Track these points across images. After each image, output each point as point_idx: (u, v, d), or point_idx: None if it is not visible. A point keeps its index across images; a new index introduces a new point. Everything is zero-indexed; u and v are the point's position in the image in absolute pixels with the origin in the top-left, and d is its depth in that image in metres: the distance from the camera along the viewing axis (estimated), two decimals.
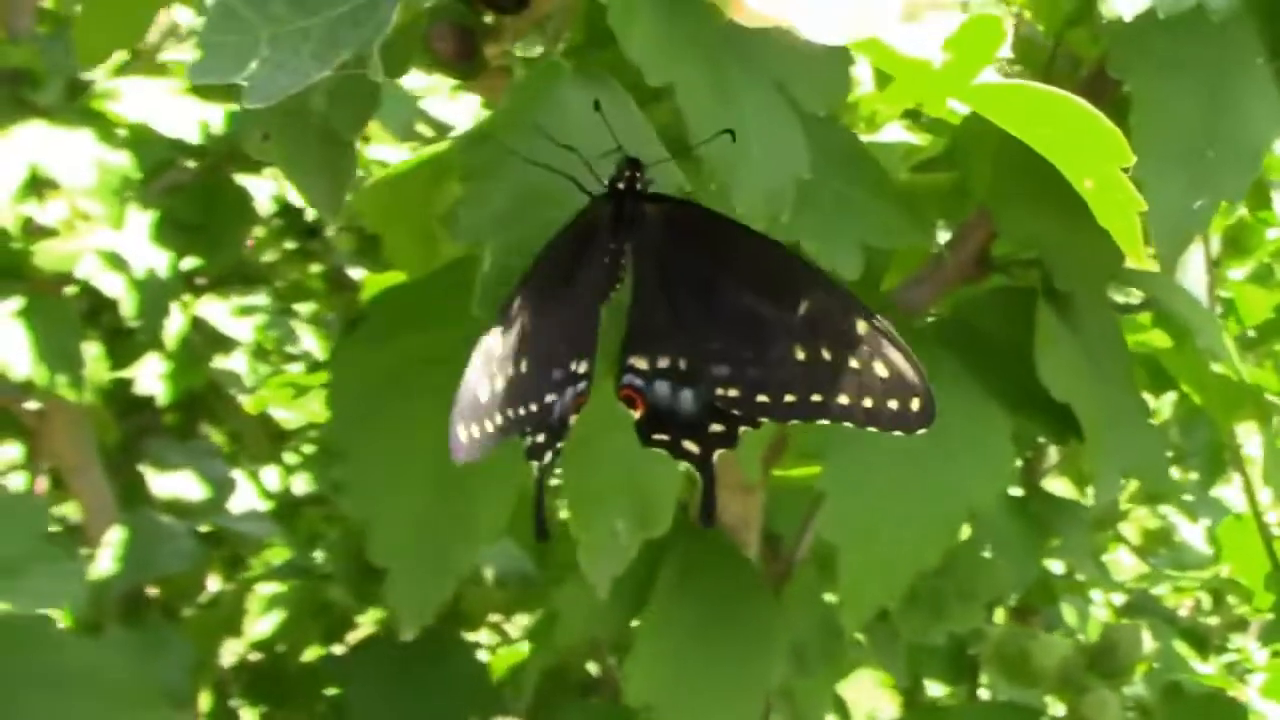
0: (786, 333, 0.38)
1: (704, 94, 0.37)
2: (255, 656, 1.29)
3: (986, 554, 0.85)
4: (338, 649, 1.31)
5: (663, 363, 0.38)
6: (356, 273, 1.49)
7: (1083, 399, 0.51)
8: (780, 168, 0.39)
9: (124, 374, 1.14)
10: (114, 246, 0.92)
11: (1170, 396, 1.14)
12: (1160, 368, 0.82)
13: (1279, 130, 0.45)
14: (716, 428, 0.39)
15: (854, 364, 0.37)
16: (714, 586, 0.58)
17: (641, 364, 0.38)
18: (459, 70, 0.41)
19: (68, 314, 0.91)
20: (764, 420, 0.39)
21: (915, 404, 0.37)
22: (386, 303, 0.48)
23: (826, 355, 0.38)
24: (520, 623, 1.28)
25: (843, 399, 0.37)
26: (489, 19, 0.41)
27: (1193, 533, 1.24)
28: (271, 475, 1.39)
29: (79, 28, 0.46)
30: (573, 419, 0.37)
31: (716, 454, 0.39)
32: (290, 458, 1.44)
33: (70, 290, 0.96)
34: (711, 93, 0.37)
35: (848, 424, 0.38)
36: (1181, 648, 1.18)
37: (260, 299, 1.31)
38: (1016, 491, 1.12)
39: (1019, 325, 0.53)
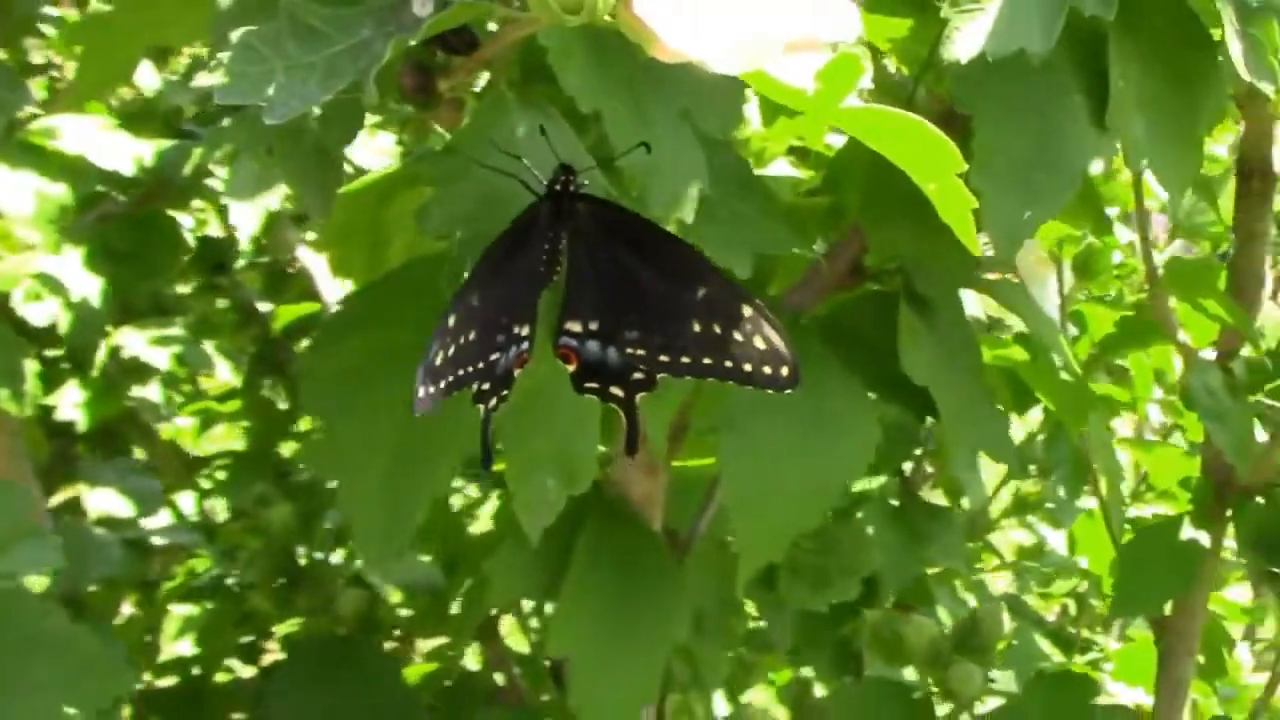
0: (687, 309, 0.47)
1: (625, 119, 0.46)
2: (168, 681, 1.34)
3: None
4: (253, 669, 1.37)
5: (592, 326, 0.47)
6: (265, 306, 1.55)
7: (939, 385, 0.61)
8: (684, 179, 0.47)
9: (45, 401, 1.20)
10: (52, 271, 0.99)
11: (1036, 414, 1.24)
12: (1023, 384, 0.92)
13: (1092, 155, 0.55)
14: (637, 376, 0.48)
15: (738, 337, 0.47)
16: (624, 555, 0.66)
17: (575, 327, 0.47)
18: (419, 100, 0.49)
19: (8, 331, 0.97)
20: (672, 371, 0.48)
21: (785, 370, 0.47)
22: (348, 305, 0.57)
23: (717, 329, 0.47)
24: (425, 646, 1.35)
25: (727, 362, 0.47)
26: (443, 60, 0.50)
27: (1057, 539, 1.34)
28: (187, 500, 1.44)
29: (79, 69, 0.54)
30: (517, 372, 0.46)
31: (638, 397, 0.48)
32: (205, 483, 1.49)
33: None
34: (631, 118, 0.46)
35: (730, 380, 0.47)
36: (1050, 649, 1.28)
37: (176, 330, 1.36)
38: (894, 502, 1.22)
39: (885, 324, 0.62)
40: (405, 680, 1.16)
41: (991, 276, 0.65)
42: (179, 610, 1.38)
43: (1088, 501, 1.25)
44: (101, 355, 1.18)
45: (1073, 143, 0.54)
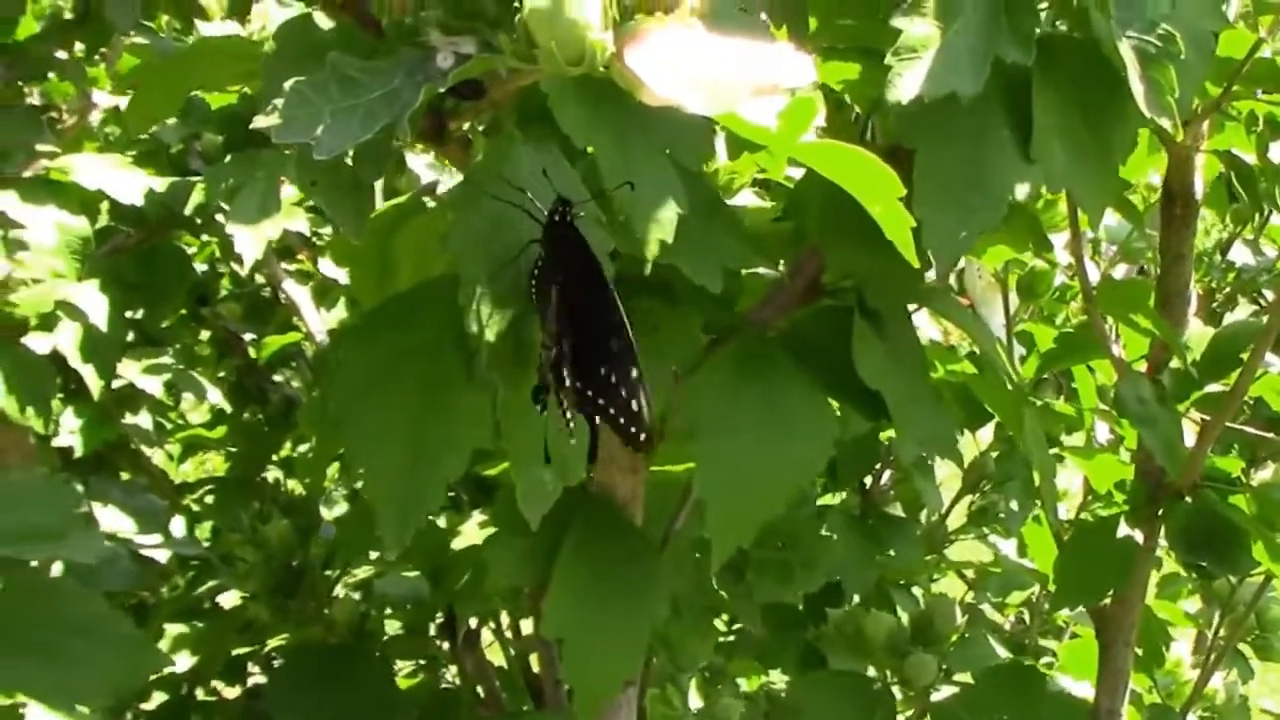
0: (603, 354, 0.56)
1: (613, 153, 0.53)
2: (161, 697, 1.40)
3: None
4: (239, 689, 1.43)
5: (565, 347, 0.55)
6: (248, 335, 1.62)
7: (889, 388, 0.68)
8: (665, 206, 0.55)
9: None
10: (74, 298, 1.05)
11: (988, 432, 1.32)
12: (976, 402, 1.00)
13: (1019, 179, 0.62)
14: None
15: (624, 392, 0.56)
16: (608, 547, 0.73)
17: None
18: (432, 140, 0.57)
19: (36, 357, 1.03)
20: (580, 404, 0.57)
21: (642, 436, 0.56)
22: (371, 316, 0.64)
23: (613, 379, 0.56)
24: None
25: (611, 409, 0.56)
26: (452, 104, 0.57)
27: (1008, 547, 1.42)
28: (177, 524, 1.49)
29: (132, 104, 0.61)
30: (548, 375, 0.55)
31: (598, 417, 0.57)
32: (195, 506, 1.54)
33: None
34: (618, 152, 0.54)
35: (608, 425, 0.57)
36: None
37: (167, 359, 1.43)
38: (855, 513, 1.29)
39: (841, 334, 0.69)
40: (397, 687, 1.22)
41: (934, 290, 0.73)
42: (172, 628, 1.44)
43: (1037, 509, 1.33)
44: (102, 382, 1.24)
45: (1001, 169, 0.62)
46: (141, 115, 0.64)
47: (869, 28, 0.68)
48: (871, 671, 1.01)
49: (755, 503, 0.67)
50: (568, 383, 0.54)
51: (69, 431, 1.26)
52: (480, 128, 0.60)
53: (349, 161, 0.52)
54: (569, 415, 0.55)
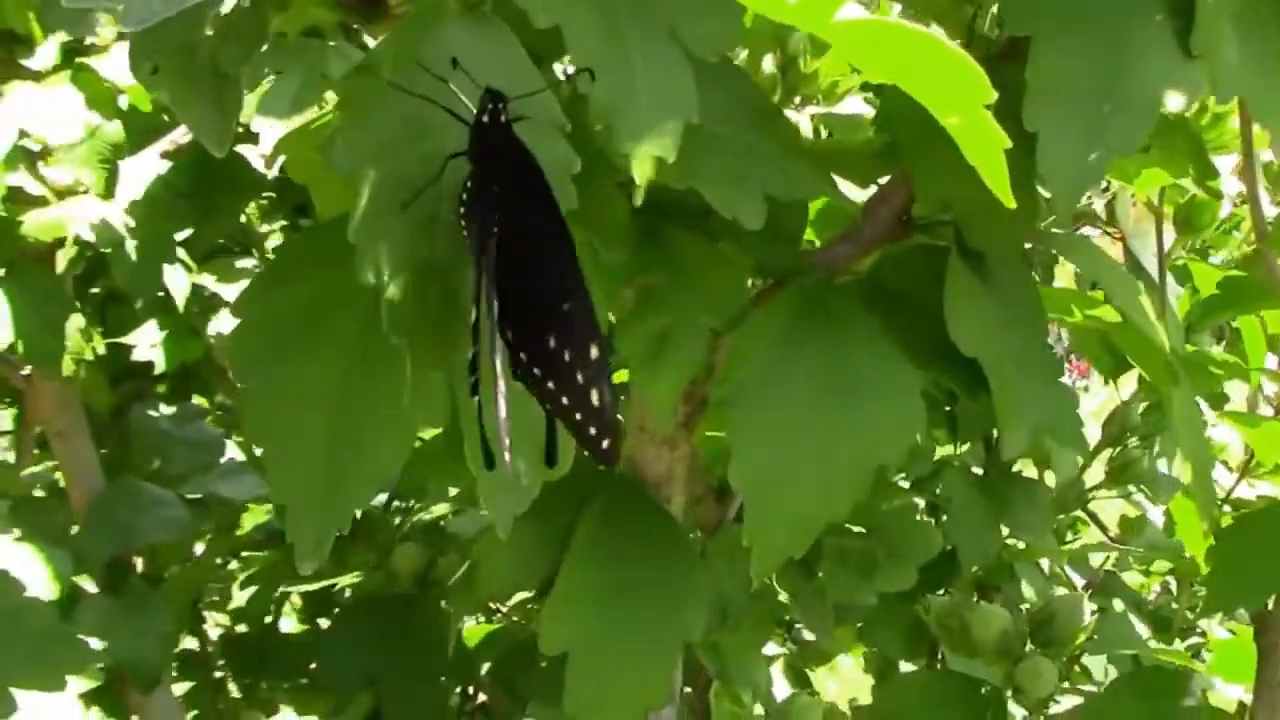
0: (550, 318, 0.40)
1: (592, 36, 0.38)
2: (241, 628, 1.30)
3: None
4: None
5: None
6: None
7: (993, 355, 0.52)
8: (667, 110, 0.39)
9: (122, 340, 1.15)
10: (104, 214, 0.93)
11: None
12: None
13: (1174, 87, 0.45)
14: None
15: (579, 377, 0.39)
16: (634, 538, 0.59)
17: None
18: (362, 12, 0.42)
19: (52, 283, 0.91)
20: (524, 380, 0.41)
21: (605, 442, 0.40)
22: (297, 244, 0.49)
23: (567, 356, 0.39)
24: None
25: (564, 398, 0.40)
26: None
27: (1156, 514, 1.24)
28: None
29: None
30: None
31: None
32: None
33: (67, 253, 0.96)
34: (600, 35, 0.38)
35: (560, 421, 0.40)
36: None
37: (252, 262, 1.30)
38: (978, 470, 1.13)
39: (934, 284, 0.53)
40: (460, 637, 1.11)
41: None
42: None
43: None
44: (183, 293, 1.12)
45: (1149, 68, 0.45)
46: None
47: None
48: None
49: (811, 498, 0.51)
50: (502, 353, 0.39)
51: (150, 345, 1.15)
52: None
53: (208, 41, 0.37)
54: (503, 396, 0.39)
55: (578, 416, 0.39)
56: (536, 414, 0.41)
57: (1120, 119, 0.45)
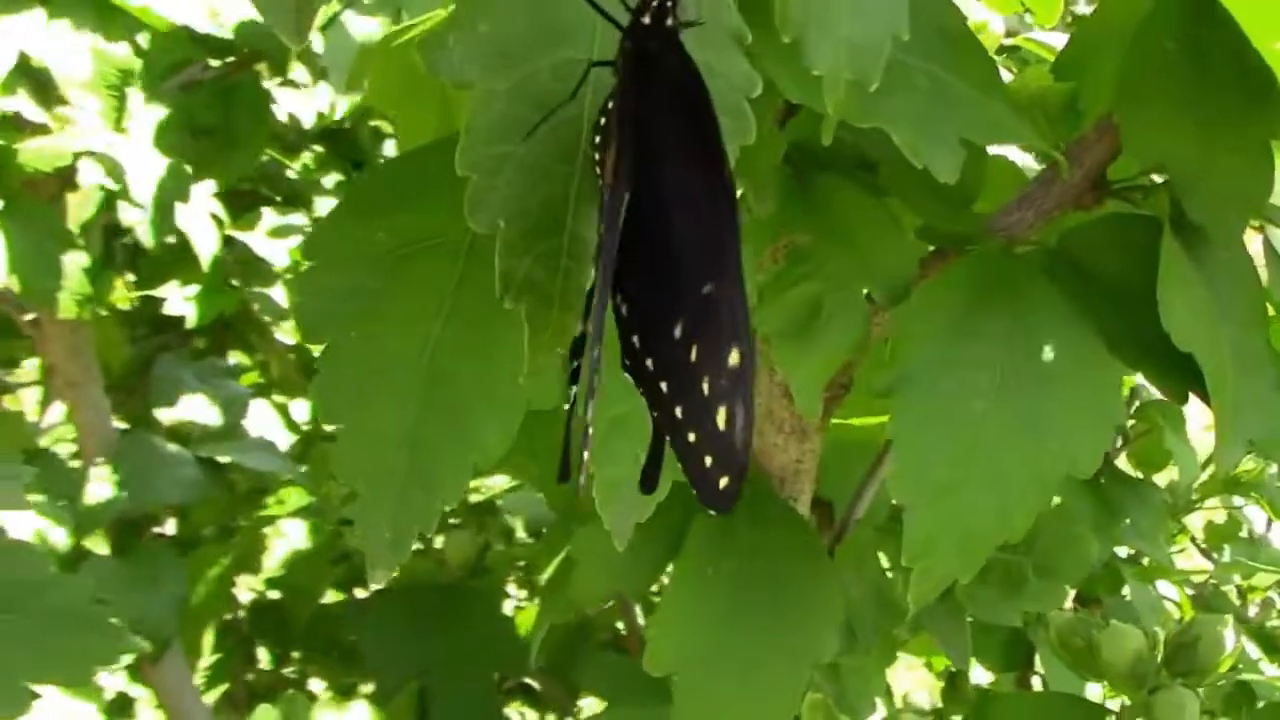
0: (684, 295, 0.30)
1: None
2: (274, 595, 1.24)
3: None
4: (357, 593, 1.26)
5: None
6: None
7: (1210, 352, 0.43)
8: (873, 20, 0.31)
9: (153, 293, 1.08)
10: (111, 148, 0.85)
11: None
12: None
13: None
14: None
15: (705, 389, 0.29)
16: (758, 541, 0.50)
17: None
18: None
19: (51, 219, 0.84)
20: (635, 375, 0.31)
21: (724, 480, 0.29)
22: (375, 180, 0.40)
23: (693, 356, 0.30)
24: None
25: (679, 410, 0.30)
26: None
27: (1259, 520, 1.16)
28: (301, 408, 1.32)
29: None
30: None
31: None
32: None
33: (87, 193, 0.89)
34: None
35: (671, 443, 0.30)
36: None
37: (299, 219, 1.23)
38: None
39: (1136, 261, 0.44)
40: (511, 625, 1.07)
41: None
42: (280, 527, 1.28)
43: None
44: (215, 245, 1.04)
45: None
46: None
47: None
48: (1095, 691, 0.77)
49: (988, 511, 0.42)
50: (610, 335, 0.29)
51: (184, 299, 1.08)
52: None
53: None
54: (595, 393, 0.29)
55: (691, 437, 0.29)
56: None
57: None
